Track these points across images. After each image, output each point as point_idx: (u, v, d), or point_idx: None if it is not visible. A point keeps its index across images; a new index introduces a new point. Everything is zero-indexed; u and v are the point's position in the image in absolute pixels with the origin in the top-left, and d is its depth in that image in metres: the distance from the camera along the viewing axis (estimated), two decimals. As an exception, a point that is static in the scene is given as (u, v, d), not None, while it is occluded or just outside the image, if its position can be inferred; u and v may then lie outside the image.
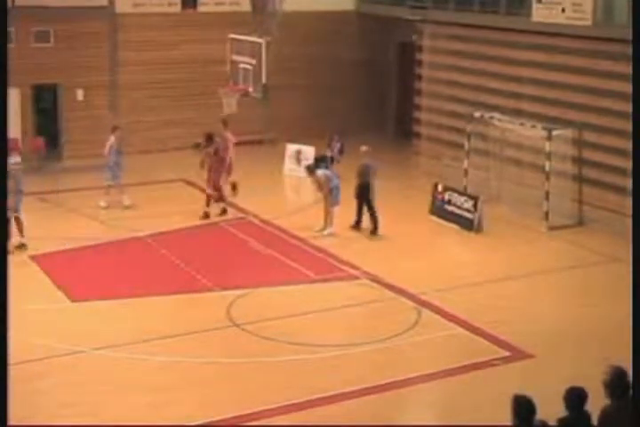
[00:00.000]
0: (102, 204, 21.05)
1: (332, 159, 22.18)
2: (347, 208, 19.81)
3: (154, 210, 21.00)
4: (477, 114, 21.99)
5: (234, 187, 21.76)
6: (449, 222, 20.25)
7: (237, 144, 22.05)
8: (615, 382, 8.18)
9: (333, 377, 12.91)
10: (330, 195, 19.49)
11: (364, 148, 20.15)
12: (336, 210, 19.55)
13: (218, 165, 20.61)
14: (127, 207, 20.98)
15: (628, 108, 15.40)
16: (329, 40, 28.30)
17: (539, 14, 21.49)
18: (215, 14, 27.06)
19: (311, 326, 14.90)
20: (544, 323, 15.01)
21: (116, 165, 21.14)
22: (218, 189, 20.57)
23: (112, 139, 21.16)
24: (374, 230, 19.53)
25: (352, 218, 19.95)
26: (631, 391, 8.31)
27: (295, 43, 26.98)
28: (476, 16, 23.70)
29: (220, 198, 20.64)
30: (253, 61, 21.45)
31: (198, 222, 20.33)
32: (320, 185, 19.79)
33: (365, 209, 19.66)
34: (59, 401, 12.20)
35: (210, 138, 20.70)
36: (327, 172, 19.83)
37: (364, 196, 19.64)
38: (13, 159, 20.21)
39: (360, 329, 14.75)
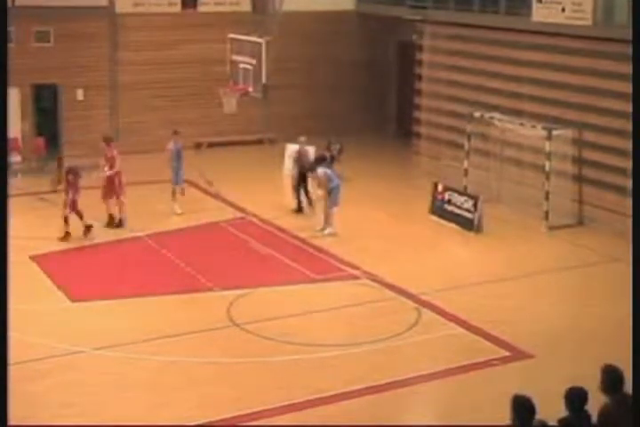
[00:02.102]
0: (177, 211, 20.85)
1: (333, 158, 22.20)
2: (347, 208, 19.85)
3: (154, 210, 21.00)
4: (477, 114, 22.00)
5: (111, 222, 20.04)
6: (449, 222, 20.25)
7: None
8: (605, 380, 8.23)
9: (333, 377, 12.91)
10: (329, 195, 19.49)
11: (302, 138, 21.81)
12: (336, 210, 19.56)
13: (76, 187, 19.14)
14: (179, 215, 20.74)
15: (628, 108, 15.40)
16: (329, 40, 28.31)
17: (539, 14, 21.48)
18: (215, 14, 27.06)
19: (311, 326, 14.91)
20: (544, 323, 15.02)
21: (175, 170, 20.81)
22: (75, 209, 19.13)
23: (171, 143, 20.89)
24: (300, 209, 21.08)
25: (351, 217, 20.03)
26: (630, 390, 8.34)
27: (295, 43, 26.99)
28: (476, 16, 23.69)
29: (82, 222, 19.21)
30: (253, 61, 21.43)
31: (198, 222, 20.35)
32: (320, 184, 19.80)
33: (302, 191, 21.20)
34: (59, 401, 12.21)
35: (60, 159, 19.49)
36: (328, 171, 19.81)
37: (304, 180, 21.20)
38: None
39: (360, 329, 14.74)
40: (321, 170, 19.74)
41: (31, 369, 12.97)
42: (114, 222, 19.99)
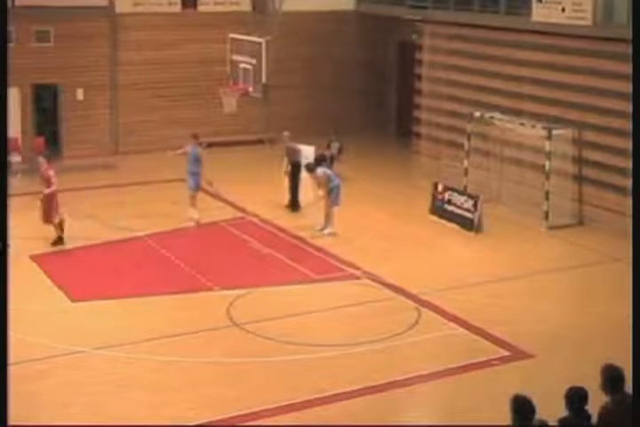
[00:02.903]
0: (194, 215, 20.20)
1: (332, 158, 22.21)
2: (347, 208, 19.85)
3: (154, 210, 20.99)
4: (477, 113, 22.01)
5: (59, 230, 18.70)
6: (449, 222, 20.25)
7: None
8: (606, 380, 8.25)
9: (333, 377, 12.91)
10: (329, 195, 19.49)
11: (286, 133, 21.99)
12: (337, 210, 19.56)
13: None
14: (193, 220, 20.27)
15: (627, 108, 15.42)
16: (329, 40, 28.31)
17: (539, 14, 21.48)
18: (215, 14, 27.06)
19: (311, 326, 14.90)
20: (544, 323, 15.01)
21: (191, 175, 20.26)
22: None
23: (189, 147, 20.33)
24: (295, 205, 21.31)
25: (351, 217, 20.03)
26: (630, 389, 8.35)
27: (295, 43, 27.00)
28: (476, 16, 23.70)
29: None
30: (253, 61, 21.45)
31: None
32: (320, 184, 19.81)
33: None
34: (59, 401, 12.20)
35: None
36: (328, 171, 19.82)
37: (295, 175, 21.30)
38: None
39: (360, 329, 14.73)
40: (321, 170, 19.73)
41: (31, 369, 12.96)
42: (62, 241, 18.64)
